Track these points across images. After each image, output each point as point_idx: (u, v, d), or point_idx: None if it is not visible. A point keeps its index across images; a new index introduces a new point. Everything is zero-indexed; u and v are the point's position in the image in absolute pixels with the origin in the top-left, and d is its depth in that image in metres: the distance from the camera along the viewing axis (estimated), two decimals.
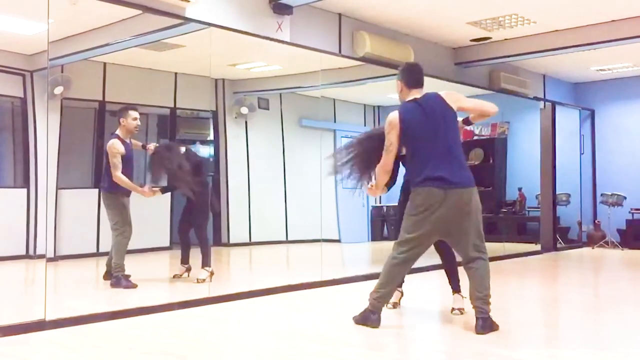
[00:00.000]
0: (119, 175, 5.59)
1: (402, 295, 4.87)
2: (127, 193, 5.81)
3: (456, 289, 4.72)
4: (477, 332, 3.93)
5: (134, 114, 5.76)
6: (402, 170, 4.54)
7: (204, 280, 5.80)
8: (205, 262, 5.89)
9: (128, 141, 5.81)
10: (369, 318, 4.10)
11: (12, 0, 5.45)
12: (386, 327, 4.28)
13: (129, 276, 5.66)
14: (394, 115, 4.12)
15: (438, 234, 4.10)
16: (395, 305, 4.81)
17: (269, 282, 5.68)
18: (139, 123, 5.82)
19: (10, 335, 3.88)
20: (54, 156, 6.61)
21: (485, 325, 3.94)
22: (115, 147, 5.62)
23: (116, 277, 5.60)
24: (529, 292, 6.20)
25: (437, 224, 3.99)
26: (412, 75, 4.23)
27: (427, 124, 4.04)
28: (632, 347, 3.81)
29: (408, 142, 4.14)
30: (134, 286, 5.57)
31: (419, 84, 4.22)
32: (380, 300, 4.12)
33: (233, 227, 8.84)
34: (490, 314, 3.98)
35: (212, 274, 5.88)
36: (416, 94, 4.17)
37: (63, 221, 6.70)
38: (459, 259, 4.70)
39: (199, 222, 6.05)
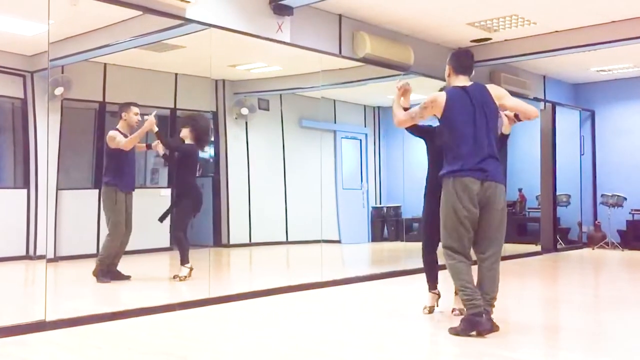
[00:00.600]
0: (125, 142, 5.80)
1: (439, 296, 4.81)
2: (128, 190, 5.88)
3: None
4: (477, 334, 3.92)
5: (135, 109, 6.01)
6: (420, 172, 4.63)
7: (185, 277, 5.89)
8: (183, 260, 5.97)
9: (129, 136, 5.90)
10: (477, 322, 3.84)
11: (13, 1, 5.45)
12: (386, 328, 4.29)
13: (120, 274, 5.80)
14: (441, 96, 4.05)
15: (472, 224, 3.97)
16: (431, 309, 4.71)
17: (269, 283, 5.68)
18: (140, 118, 5.98)
19: (11, 336, 3.88)
20: (54, 157, 6.61)
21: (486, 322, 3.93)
22: (113, 134, 5.86)
23: (96, 268, 5.74)
24: (529, 292, 6.20)
25: (472, 216, 3.92)
26: (461, 61, 4.19)
27: (472, 113, 3.99)
28: (632, 348, 3.80)
29: (450, 127, 4.04)
30: (106, 282, 5.71)
31: (467, 71, 4.18)
32: (473, 298, 3.86)
33: (233, 227, 8.84)
34: (492, 315, 3.99)
35: (191, 269, 5.97)
36: (464, 80, 4.14)
37: (63, 222, 6.71)
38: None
39: (178, 221, 6.11)
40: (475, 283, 3.95)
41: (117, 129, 5.91)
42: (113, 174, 5.84)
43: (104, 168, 5.98)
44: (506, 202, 4.08)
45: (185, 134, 6.23)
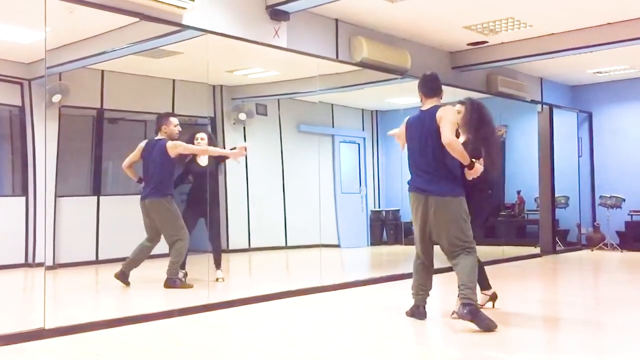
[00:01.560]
0: (211, 149, 5.97)
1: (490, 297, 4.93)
2: None
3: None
4: (459, 317, 4.10)
5: (175, 120, 5.97)
6: None
7: (223, 278, 6.20)
8: (218, 263, 6.25)
9: None
10: (414, 312, 4.57)
11: (10, 8, 5.45)
12: (387, 331, 4.29)
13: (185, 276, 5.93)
14: (404, 120, 4.60)
15: (426, 234, 4.43)
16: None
17: (269, 288, 5.68)
18: (180, 129, 5.98)
19: (10, 344, 3.87)
20: (52, 164, 6.60)
21: (471, 312, 4.02)
22: (178, 142, 5.83)
23: (171, 278, 5.74)
24: (529, 294, 6.20)
25: (422, 225, 4.39)
26: (423, 86, 4.48)
27: (419, 135, 4.37)
28: (632, 350, 3.81)
29: (407, 148, 4.55)
30: (190, 286, 5.79)
31: (432, 93, 4.44)
32: (416, 294, 4.57)
33: (232, 233, 8.83)
34: (487, 312, 4.00)
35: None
36: (433, 102, 4.41)
37: (62, 229, 6.69)
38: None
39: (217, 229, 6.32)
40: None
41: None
42: (170, 184, 5.86)
43: (160, 178, 5.80)
44: (455, 209, 4.26)
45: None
